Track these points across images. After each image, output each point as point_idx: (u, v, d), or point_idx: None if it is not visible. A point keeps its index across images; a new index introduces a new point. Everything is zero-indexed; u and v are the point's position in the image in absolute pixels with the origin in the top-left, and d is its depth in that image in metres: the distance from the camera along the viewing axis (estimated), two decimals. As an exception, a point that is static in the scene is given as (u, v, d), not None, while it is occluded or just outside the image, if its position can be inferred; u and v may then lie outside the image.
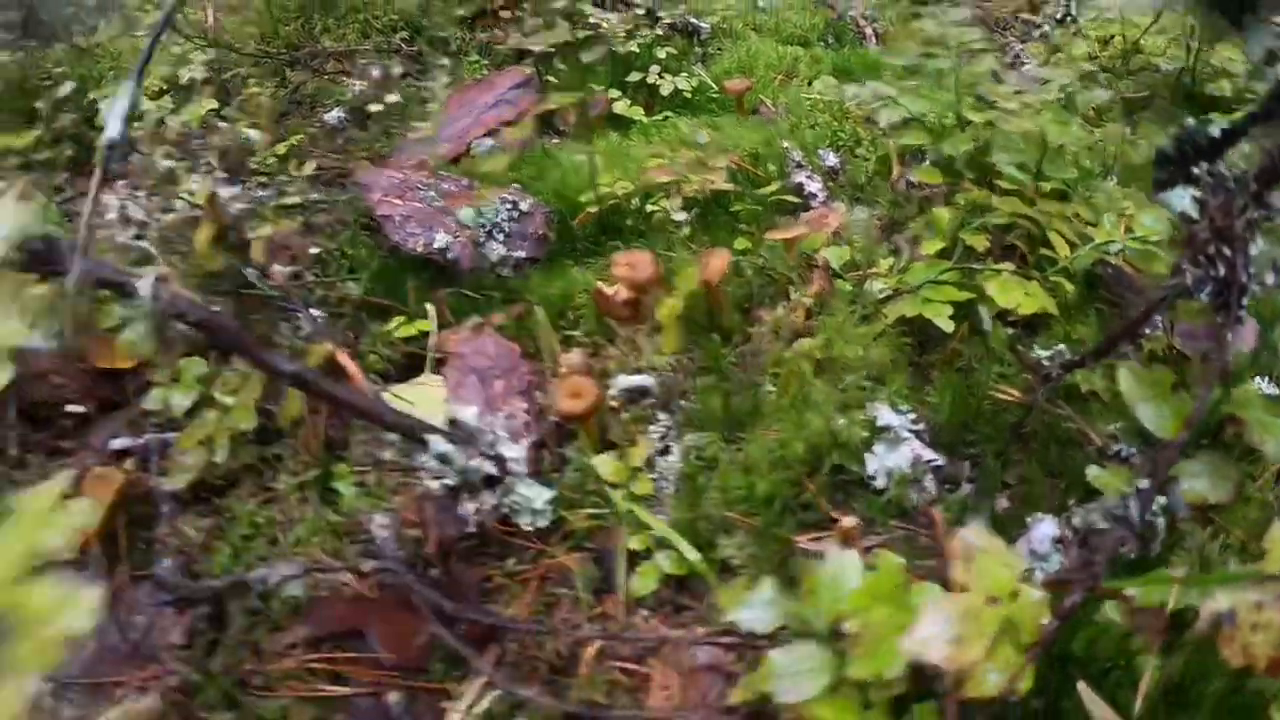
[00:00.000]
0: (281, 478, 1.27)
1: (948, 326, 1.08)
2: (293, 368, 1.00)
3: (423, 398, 1.29)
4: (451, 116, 2.25)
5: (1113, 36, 1.98)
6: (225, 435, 1.29)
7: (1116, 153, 1.48)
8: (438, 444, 1.00)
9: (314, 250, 1.67)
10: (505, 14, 2.38)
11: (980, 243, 1.18)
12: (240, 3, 2.86)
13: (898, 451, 1.07)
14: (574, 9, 2.26)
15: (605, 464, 1.08)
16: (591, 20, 2.33)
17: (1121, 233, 1.20)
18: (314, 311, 1.37)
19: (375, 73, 2.46)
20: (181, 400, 1.30)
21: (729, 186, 1.36)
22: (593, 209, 1.45)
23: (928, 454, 1.07)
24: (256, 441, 1.33)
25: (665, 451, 1.14)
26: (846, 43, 2.45)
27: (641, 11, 2.36)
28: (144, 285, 0.99)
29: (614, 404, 1.16)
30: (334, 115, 2.27)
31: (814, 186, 1.46)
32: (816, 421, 1.06)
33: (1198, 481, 0.96)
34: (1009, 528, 1.05)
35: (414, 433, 1.01)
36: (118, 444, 1.31)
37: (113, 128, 0.83)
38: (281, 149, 2.18)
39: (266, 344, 1.25)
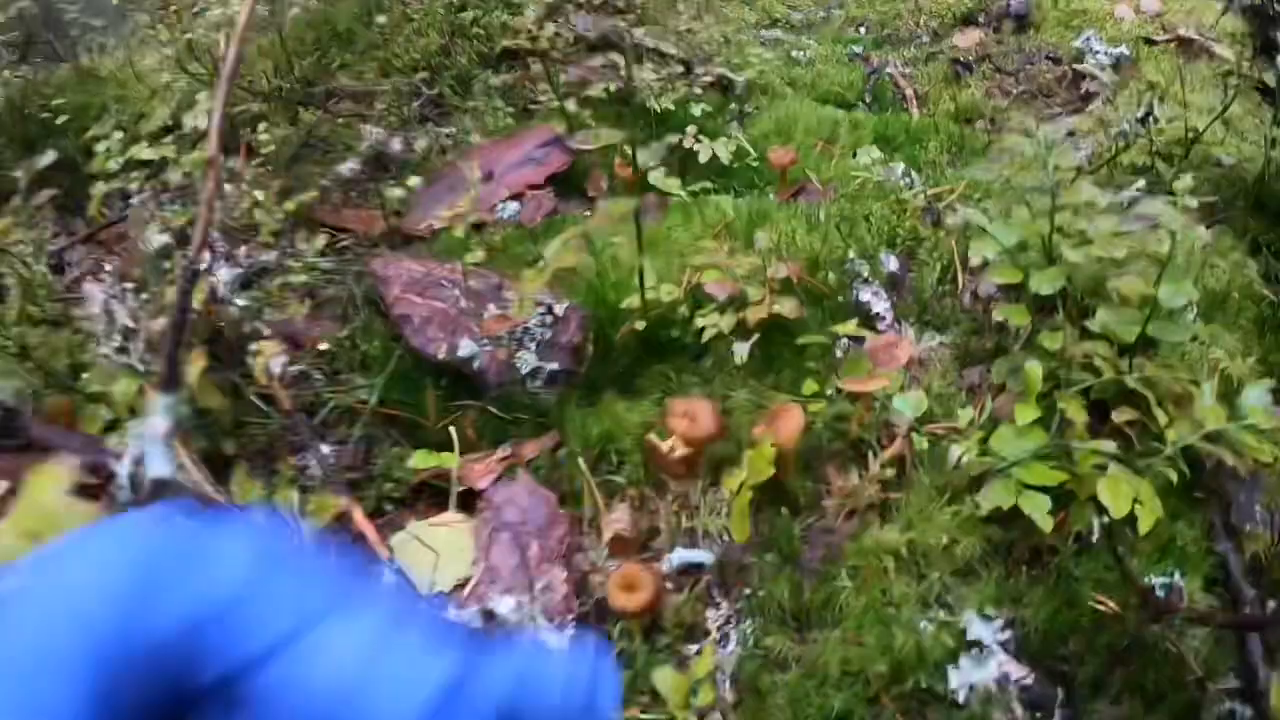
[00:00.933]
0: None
1: (1046, 525, 0.93)
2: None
3: (447, 544, 1.14)
4: (471, 174, 2.08)
5: (1171, 119, 1.82)
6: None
7: (1196, 278, 1.33)
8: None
9: (323, 347, 1.50)
10: (535, 61, 2.21)
11: (1079, 413, 1.02)
12: (255, 26, 2.67)
13: (984, 667, 0.92)
14: (611, 61, 2.09)
15: (665, 678, 0.92)
16: (623, 74, 2.15)
17: (1223, 413, 1.04)
18: (324, 448, 1.20)
19: (394, 118, 2.29)
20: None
21: (796, 315, 1.20)
22: (638, 325, 1.29)
23: (1016, 671, 0.92)
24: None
25: (724, 640, 0.99)
26: (886, 104, 2.28)
27: (679, 68, 2.19)
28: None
29: (666, 581, 1.01)
30: (348, 166, 2.09)
31: (881, 306, 1.30)
32: (901, 635, 0.91)
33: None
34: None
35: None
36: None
37: (157, 464, 0.63)
38: (291, 205, 2.01)
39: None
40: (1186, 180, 1.18)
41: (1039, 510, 0.94)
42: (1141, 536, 0.96)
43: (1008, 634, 0.93)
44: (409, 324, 1.42)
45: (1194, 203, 1.15)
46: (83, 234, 2.08)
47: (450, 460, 1.19)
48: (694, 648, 0.97)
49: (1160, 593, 0.92)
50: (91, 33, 2.93)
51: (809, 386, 1.14)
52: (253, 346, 1.25)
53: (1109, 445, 0.99)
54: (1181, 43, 2.10)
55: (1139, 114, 1.50)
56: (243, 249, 1.78)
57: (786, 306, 1.19)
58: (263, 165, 2.27)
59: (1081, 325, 1.19)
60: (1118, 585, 0.95)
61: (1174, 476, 0.97)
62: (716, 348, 1.26)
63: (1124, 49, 2.09)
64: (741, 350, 1.18)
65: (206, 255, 1.62)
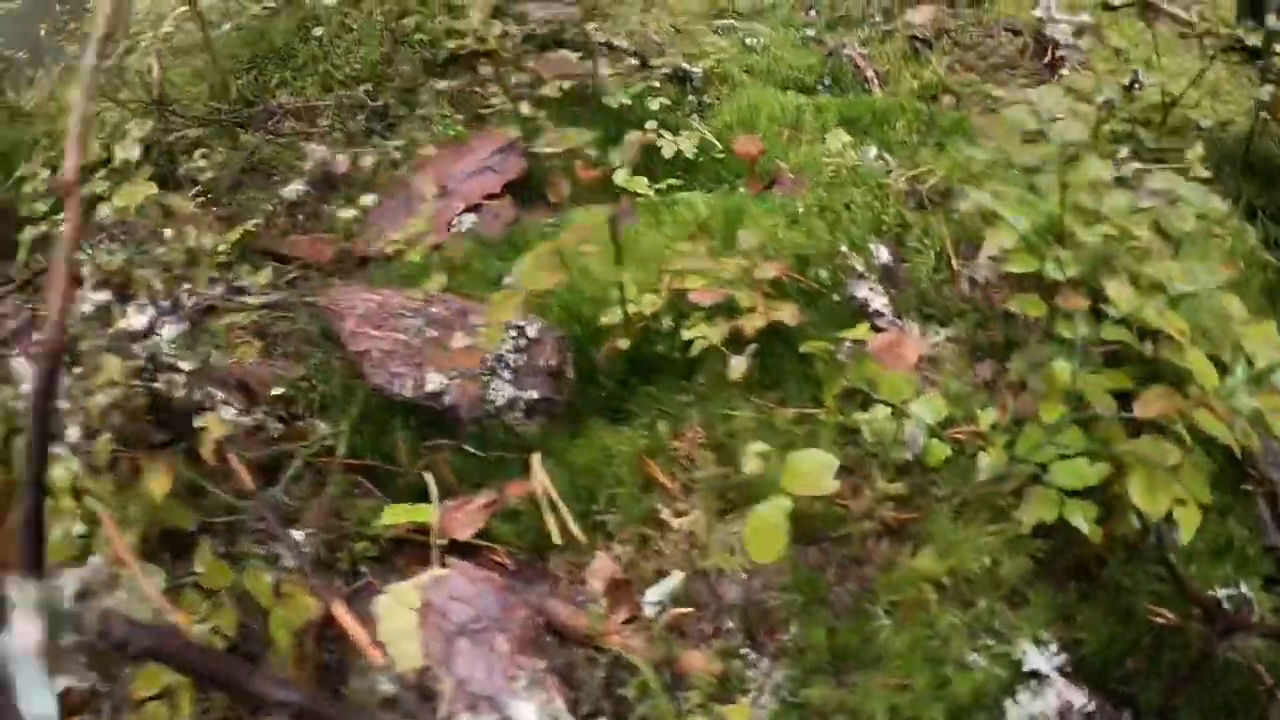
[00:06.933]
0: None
1: (1095, 535, 0.81)
2: (287, 695, 0.69)
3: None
4: (425, 190, 1.91)
5: (1142, 85, 1.71)
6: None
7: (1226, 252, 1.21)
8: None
9: (277, 390, 1.33)
10: (484, 64, 2.03)
11: (1105, 401, 0.90)
12: (190, 48, 2.45)
13: (1044, 697, 0.80)
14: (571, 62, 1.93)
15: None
16: (579, 73, 1.99)
17: (1256, 390, 0.93)
18: (295, 534, 1.02)
19: (339, 135, 2.10)
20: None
21: (796, 319, 1.07)
22: (622, 343, 1.15)
23: (1078, 698, 0.80)
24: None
25: (759, 693, 0.86)
26: (847, 86, 2.15)
27: (634, 61, 2.03)
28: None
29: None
30: (292, 189, 1.90)
31: (879, 302, 1.17)
32: (954, 675, 0.79)
33: None
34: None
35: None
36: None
37: (33, 697, 0.40)
38: (235, 234, 1.82)
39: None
40: (1196, 149, 1.07)
41: (1086, 519, 0.82)
42: (1190, 540, 0.84)
43: (1064, 658, 0.81)
44: (368, 359, 1.26)
45: (1206, 174, 1.04)
46: (14, 283, 1.87)
47: (425, 514, 1.04)
48: (727, 705, 0.84)
49: (1227, 604, 0.80)
50: (14, 67, 2.68)
51: (813, 391, 1.01)
52: (198, 421, 1.07)
53: (1145, 441, 0.87)
54: (1142, 7, 2.00)
55: (1125, 81, 1.38)
56: (185, 289, 1.59)
57: (786, 312, 1.05)
58: (203, 195, 2.08)
59: (1095, 309, 1.07)
60: (1174, 595, 0.83)
61: (1218, 466, 0.85)
62: (709, 362, 1.12)
63: (1085, 16, 1.98)
64: (739, 364, 1.04)
65: (145, 316, 1.41)
